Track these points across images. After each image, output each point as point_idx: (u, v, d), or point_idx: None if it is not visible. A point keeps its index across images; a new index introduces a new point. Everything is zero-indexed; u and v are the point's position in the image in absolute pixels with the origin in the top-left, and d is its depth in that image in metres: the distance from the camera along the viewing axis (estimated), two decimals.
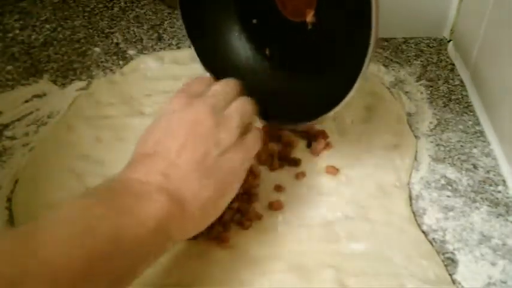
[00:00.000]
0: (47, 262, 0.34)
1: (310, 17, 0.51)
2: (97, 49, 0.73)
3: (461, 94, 0.68)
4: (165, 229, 0.41)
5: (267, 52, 0.57)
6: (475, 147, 0.62)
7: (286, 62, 0.56)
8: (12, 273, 0.33)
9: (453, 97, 0.68)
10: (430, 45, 0.75)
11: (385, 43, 0.75)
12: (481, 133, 0.63)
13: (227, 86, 0.49)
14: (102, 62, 0.71)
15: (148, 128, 0.46)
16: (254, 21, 0.57)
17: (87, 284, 0.36)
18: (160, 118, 0.46)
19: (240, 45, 0.58)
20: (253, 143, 0.48)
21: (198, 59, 0.58)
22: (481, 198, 0.56)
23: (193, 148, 0.44)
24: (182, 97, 0.47)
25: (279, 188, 0.56)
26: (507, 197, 0.57)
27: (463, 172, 0.59)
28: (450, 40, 0.75)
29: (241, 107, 0.48)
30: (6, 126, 0.63)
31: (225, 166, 0.45)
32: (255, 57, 0.58)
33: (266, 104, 0.52)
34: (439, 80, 0.70)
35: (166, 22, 0.77)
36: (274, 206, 0.54)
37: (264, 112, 0.52)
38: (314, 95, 0.52)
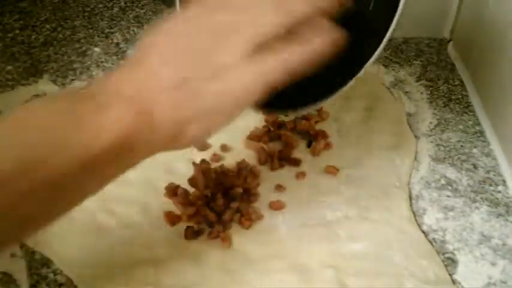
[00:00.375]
0: None
1: None
2: (97, 49, 0.73)
3: (461, 94, 0.68)
4: (125, 145, 0.38)
5: None
6: (475, 147, 0.62)
7: None
8: None
9: (453, 97, 0.68)
10: (430, 45, 0.75)
11: None
12: (481, 133, 0.63)
13: None
14: (102, 62, 0.71)
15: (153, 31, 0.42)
16: None
17: (29, 194, 0.35)
18: (176, 19, 0.42)
19: None
20: (271, 65, 0.40)
21: None
22: (481, 198, 0.56)
23: (178, 65, 0.39)
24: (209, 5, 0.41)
25: (279, 188, 0.56)
26: (507, 197, 0.57)
27: (463, 172, 0.59)
28: (450, 40, 0.75)
29: (257, 20, 0.40)
30: None
31: (215, 92, 0.39)
32: None
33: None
34: (439, 80, 0.70)
35: None
36: (275, 206, 0.54)
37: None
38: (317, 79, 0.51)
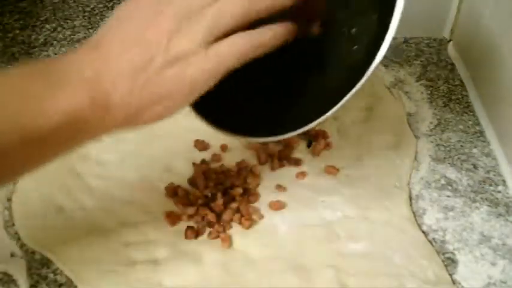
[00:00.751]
0: None
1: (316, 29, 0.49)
2: None
3: (461, 94, 0.68)
4: (75, 124, 0.38)
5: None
6: (475, 147, 0.62)
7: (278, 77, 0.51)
8: None
9: (453, 97, 0.68)
10: (430, 45, 0.75)
11: None
12: (481, 133, 0.63)
13: None
14: None
15: (116, 12, 0.42)
16: None
17: None
18: (138, 3, 0.42)
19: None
20: (228, 52, 0.41)
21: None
22: (481, 198, 0.56)
23: (138, 50, 0.40)
24: None
25: (279, 188, 0.56)
26: (507, 197, 0.57)
27: (463, 172, 0.59)
28: (450, 40, 0.75)
29: (219, 10, 0.41)
30: None
31: (173, 77, 0.40)
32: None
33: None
34: (439, 80, 0.70)
35: None
36: (275, 206, 0.54)
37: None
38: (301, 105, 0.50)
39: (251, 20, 0.41)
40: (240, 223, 0.53)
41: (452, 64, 0.72)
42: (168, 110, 0.42)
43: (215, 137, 0.60)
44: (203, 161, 0.58)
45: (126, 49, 0.40)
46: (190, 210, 0.53)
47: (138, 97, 0.40)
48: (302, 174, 0.58)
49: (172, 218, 0.53)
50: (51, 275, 0.49)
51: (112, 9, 0.80)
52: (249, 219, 0.53)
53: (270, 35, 0.42)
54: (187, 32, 0.40)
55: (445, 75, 0.70)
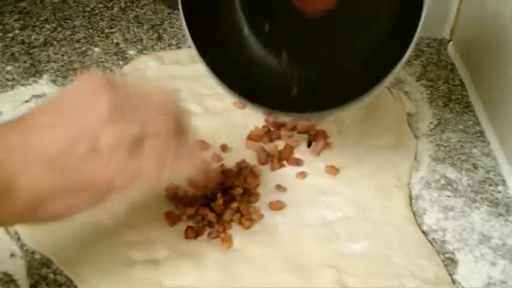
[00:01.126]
0: None
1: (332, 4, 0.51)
2: (97, 49, 0.73)
3: (461, 94, 0.68)
4: None
5: (280, 51, 0.56)
6: (475, 147, 0.62)
7: (298, 56, 0.55)
8: None
9: (453, 97, 0.68)
10: (430, 45, 0.75)
11: None
12: (481, 133, 0.63)
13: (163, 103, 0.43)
14: (102, 62, 0.71)
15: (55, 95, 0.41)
16: (265, 23, 0.56)
17: None
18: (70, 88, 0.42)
19: (248, 42, 0.57)
20: (151, 164, 0.40)
21: (205, 67, 0.53)
22: (481, 198, 0.56)
23: (63, 135, 0.38)
24: (103, 80, 0.40)
25: (279, 188, 0.56)
26: (507, 197, 0.57)
27: (463, 172, 0.59)
28: (450, 40, 0.75)
29: (151, 116, 0.41)
30: None
31: (92, 170, 0.38)
32: (265, 54, 0.57)
33: (277, 98, 0.51)
34: (439, 80, 0.70)
35: (166, 22, 0.77)
36: (275, 206, 0.54)
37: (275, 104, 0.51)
38: (327, 88, 0.52)
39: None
40: (240, 223, 0.53)
41: (452, 64, 0.72)
42: (75, 207, 0.40)
43: (215, 137, 0.60)
44: (203, 161, 0.58)
45: (52, 131, 0.38)
46: (190, 210, 0.53)
47: (44, 188, 0.38)
48: (302, 174, 0.58)
49: (172, 218, 0.53)
50: (51, 275, 0.49)
51: (112, 9, 0.80)
52: (249, 219, 0.53)
53: (194, 165, 0.44)
54: (117, 129, 0.39)
55: (445, 75, 0.70)
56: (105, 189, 0.40)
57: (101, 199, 0.40)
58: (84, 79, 0.40)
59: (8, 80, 0.68)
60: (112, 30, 0.76)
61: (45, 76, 0.69)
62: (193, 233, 0.52)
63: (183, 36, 0.74)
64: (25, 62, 0.71)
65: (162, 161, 0.41)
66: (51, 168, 0.38)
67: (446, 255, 0.52)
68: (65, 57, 0.71)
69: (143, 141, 0.40)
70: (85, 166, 0.38)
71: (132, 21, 0.78)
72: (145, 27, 0.76)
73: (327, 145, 0.60)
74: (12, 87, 0.67)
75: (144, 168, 0.40)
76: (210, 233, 0.52)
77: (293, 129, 0.62)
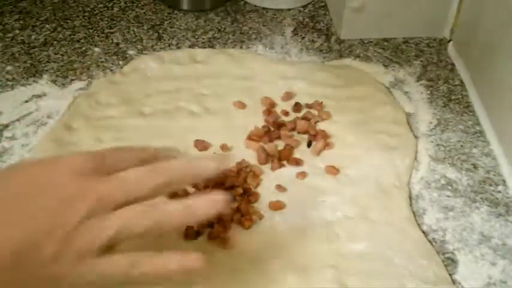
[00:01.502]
0: None
1: None
2: (97, 49, 0.73)
3: (461, 94, 0.68)
4: None
5: None
6: (475, 147, 0.62)
7: None
8: None
9: (453, 97, 0.68)
10: (430, 45, 0.75)
11: (385, 43, 0.75)
12: (481, 133, 0.63)
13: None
14: (102, 62, 0.71)
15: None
16: None
17: None
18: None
19: None
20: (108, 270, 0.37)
21: None
22: (481, 198, 0.56)
23: (29, 230, 0.34)
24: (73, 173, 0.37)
25: (279, 188, 0.56)
26: (507, 197, 0.57)
27: (463, 172, 0.59)
28: (450, 40, 0.75)
29: (127, 220, 0.37)
30: (6, 126, 0.62)
31: (57, 274, 0.35)
32: None
33: None
34: (439, 80, 0.70)
35: (166, 22, 0.77)
36: (275, 206, 0.54)
37: None
38: None
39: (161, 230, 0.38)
40: (240, 223, 0.53)
41: (452, 64, 0.72)
42: None
43: (215, 137, 0.60)
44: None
45: (15, 223, 0.34)
46: None
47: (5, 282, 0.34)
48: (302, 174, 0.58)
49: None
50: None
51: (112, 9, 0.80)
52: (249, 219, 0.53)
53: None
54: (90, 232, 0.36)
55: (445, 75, 0.70)
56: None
57: None
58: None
59: (8, 80, 0.68)
60: (112, 30, 0.76)
61: (45, 76, 0.69)
62: (193, 233, 0.52)
63: (183, 36, 0.74)
64: (25, 62, 0.70)
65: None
66: (13, 266, 0.34)
67: (446, 255, 0.52)
68: (65, 57, 0.71)
69: (113, 242, 0.37)
70: (49, 270, 0.35)
71: (132, 21, 0.78)
72: (145, 27, 0.76)
73: (327, 145, 0.60)
74: (12, 87, 0.67)
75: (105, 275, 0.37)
76: (210, 234, 0.52)
77: (293, 129, 0.62)
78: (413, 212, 0.55)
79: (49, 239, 0.34)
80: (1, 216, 0.35)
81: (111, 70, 0.70)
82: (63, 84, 0.68)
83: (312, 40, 0.75)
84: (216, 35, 0.75)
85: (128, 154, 0.40)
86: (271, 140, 0.60)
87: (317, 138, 0.61)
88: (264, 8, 0.79)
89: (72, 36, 0.75)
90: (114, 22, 0.77)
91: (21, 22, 0.77)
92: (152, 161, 0.40)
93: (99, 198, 0.36)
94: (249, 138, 0.61)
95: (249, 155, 0.59)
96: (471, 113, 0.66)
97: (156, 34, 0.75)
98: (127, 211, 0.37)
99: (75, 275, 0.35)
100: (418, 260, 0.51)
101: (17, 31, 0.75)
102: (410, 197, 0.56)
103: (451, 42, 0.74)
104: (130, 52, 0.72)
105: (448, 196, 0.57)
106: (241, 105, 0.64)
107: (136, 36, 0.75)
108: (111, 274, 0.36)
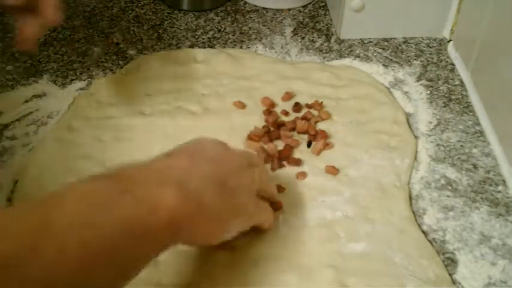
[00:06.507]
0: (56, 237, 0.34)
1: None
2: (97, 49, 0.73)
3: (461, 94, 0.68)
4: (175, 224, 0.40)
5: None
6: (475, 147, 0.62)
7: None
8: (21, 244, 0.33)
9: (453, 97, 0.68)
10: (430, 45, 0.75)
11: (385, 43, 0.75)
12: (481, 133, 0.63)
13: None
14: (102, 62, 0.71)
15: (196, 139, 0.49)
16: None
17: (90, 269, 0.35)
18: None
19: None
20: (264, 215, 0.50)
21: None
22: (481, 198, 0.56)
23: (219, 169, 0.45)
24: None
25: (279, 188, 0.56)
26: (507, 197, 0.57)
27: (463, 172, 0.59)
28: (450, 40, 0.75)
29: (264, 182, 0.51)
30: (6, 126, 0.62)
31: (238, 195, 0.46)
32: None
33: None
34: (439, 80, 0.70)
35: (166, 22, 0.77)
36: (274, 206, 0.54)
37: None
38: None
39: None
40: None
41: (452, 64, 0.72)
42: (235, 227, 0.47)
43: (215, 137, 0.60)
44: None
45: (212, 162, 0.45)
46: None
47: (223, 201, 0.44)
48: (302, 174, 0.58)
49: None
50: None
51: (112, 9, 0.80)
52: None
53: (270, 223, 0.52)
54: (251, 176, 0.48)
55: (445, 75, 0.70)
56: (249, 216, 0.48)
57: (247, 224, 0.48)
58: (206, 138, 0.49)
59: (8, 80, 0.68)
60: (112, 30, 0.76)
61: (45, 76, 0.69)
62: None
63: (183, 36, 0.74)
64: (25, 62, 0.70)
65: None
66: (220, 192, 0.44)
67: (446, 255, 0.52)
68: (65, 57, 0.71)
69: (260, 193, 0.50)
70: (235, 195, 0.46)
71: (132, 21, 0.78)
72: (145, 27, 0.76)
73: (327, 145, 0.60)
74: (12, 87, 0.67)
75: (262, 212, 0.50)
76: None
77: (293, 129, 0.62)
78: (413, 212, 0.55)
79: (229, 176, 0.46)
80: (201, 154, 0.46)
81: (111, 70, 0.70)
82: (63, 84, 0.68)
83: (312, 40, 0.75)
84: (216, 35, 0.75)
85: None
86: (271, 140, 0.60)
87: (317, 138, 0.61)
88: (264, 8, 0.79)
89: (72, 36, 0.75)
90: (114, 22, 0.77)
91: None
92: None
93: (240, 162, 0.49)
94: (249, 138, 0.61)
95: None
96: (471, 113, 0.66)
97: (156, 34, 0.75)
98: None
99: (250, 207, 0.48)
100: (418, 260, 0.51)
101: (17, 31, 0.75)
102: (410, 197, 0.57)
103: (451, 42, 0.74)
104: (131, 52, 0.72)
105: (448, 196, 0.57)
106: (241, 105, 0.64)
107: (136, 36, 0.75)
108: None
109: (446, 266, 0.51)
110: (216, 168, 0.45)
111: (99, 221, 0.36)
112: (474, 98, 0.67)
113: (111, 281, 0.37)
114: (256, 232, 0.51)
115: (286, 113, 0.64)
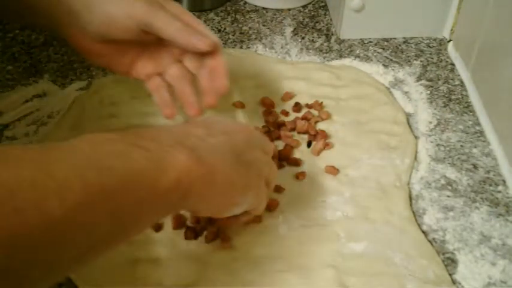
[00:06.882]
0: (58, 173, 0.33)
1: None
2: None
3: (461, 94, 0.68)
4: (184, 187, 0.39)
5: None
6: (475, 147, 0.62)
7: None
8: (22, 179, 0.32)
9: (453, 97, 0.68)
10: (430, 45, 0.75)
11: (385, 43, 0.75)
12: (481, 133, 0.63)
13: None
14: None
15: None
16: None
17: (89, 212, 0.34)
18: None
19: None
20: (262, 203, 0.49)
21: None
22: (481, 198, 0.56)
23: (234, 141, 0.45)
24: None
25: (279, 189, 0.56)
26: (507, 197, 0.57)
27: (463, 172, 0.59)
28: (450, 40, 0.75)
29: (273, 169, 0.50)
30: (6, 126, 0.62)
31: (251, 170, 0.46)
32: None
33: None
34: (439, 80, 0.70)
35: None
36: (269, 206, 0.53)
37: None
38: None
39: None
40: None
41: (452, 64, 0.72)
42: (246, 197, 0.46)
43: None
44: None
45: (226, 134, 0.45)
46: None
47: (235, 170, 0.44)
48: (302, 174, 0.58)
49: (178, 221, 0.52)
50: None
51: None
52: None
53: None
54: (266, 158, 0.48)
55: (445, 75, 0.70)
56: (255, 196, 0.47)
57: (252, 204, 0.47)
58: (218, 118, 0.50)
59: (8, 80, 0.68)
60: None
61: (45, 76, 0.68)
62: (192, 233, 0.52)
63: None
64: (25, 62, 0.70)
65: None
66: (234, 162, 0.44)
67: (446, 255, 0.52)
68: (65, 57, 0.71)
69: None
70: (249, 168, 0.45)
71: None
72: None
73: (327, 145, 0.60)
74: (12, 87, 0.67)
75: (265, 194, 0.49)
76: (209, 234, 0.52)
77: (293, 129, 0.62)
78: (413, 212, 0.55)
79: (240, 152, 0.46)
80: (218, 125, 0.47)
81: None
82: (63, 84, 0.68)
83: (312, 40, 0.75)
84: (216, 35, 0.75)
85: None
86: (271, 140, 0.60)
87: (317, 138, 0.61)
88: (264, 8, 0.79)
89: None
90: None
91: None
92: None
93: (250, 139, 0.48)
94: None
95: None
96: (471, 113, 0.66)
97: None
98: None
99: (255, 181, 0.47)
100: (418, 260, 0.51)
101: (17, 31, 0.75)
102: (410, 197, 0.57)
103: (451, 42, 0.74)
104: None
105: (448, 196, 0.57)
106: (241, 105, 0.64)
107: None
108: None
109: (446, 266, 0.51)
110: (232, 139, 0.45)
111: (105, 166, 0.36)
112: (474, 98, 0.67)
113: (108, 231, 0.36)
114: (254, 232, 0.52)
115: (286, 113, 0.64)
